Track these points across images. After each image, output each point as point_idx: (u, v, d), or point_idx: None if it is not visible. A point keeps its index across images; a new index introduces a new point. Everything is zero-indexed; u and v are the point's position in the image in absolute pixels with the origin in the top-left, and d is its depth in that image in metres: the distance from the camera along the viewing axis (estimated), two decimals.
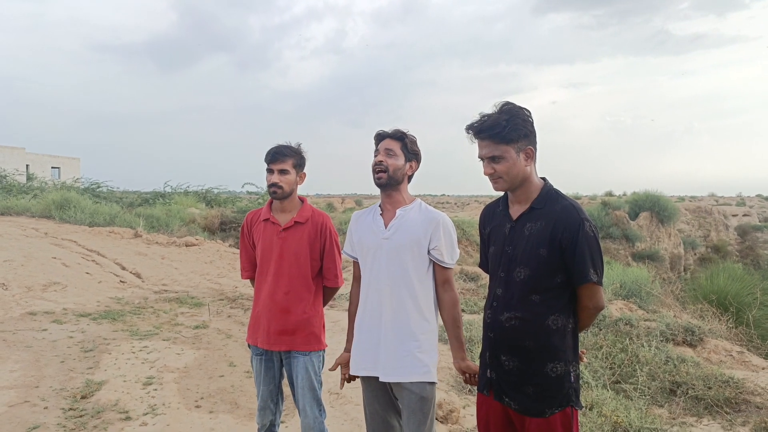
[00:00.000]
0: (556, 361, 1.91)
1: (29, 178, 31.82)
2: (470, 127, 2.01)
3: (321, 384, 2.88)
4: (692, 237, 33.08)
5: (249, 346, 2.93)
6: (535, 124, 2.01)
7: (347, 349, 2.63)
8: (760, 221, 44.36)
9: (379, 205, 2.58)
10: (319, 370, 2.86)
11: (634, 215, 28.85)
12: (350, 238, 2.67)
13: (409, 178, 2.56)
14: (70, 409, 4.07)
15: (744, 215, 44.59)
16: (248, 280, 3.35)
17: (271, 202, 2.91)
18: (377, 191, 2.56)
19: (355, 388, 4.51)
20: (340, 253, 2.91)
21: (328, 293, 2.97)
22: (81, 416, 3.94)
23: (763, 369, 5.67)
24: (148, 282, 9.26)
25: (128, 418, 3.92)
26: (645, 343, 5.02)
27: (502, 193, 2.16)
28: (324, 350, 2.91)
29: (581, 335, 5.61)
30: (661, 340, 5.30)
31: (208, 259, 11.20)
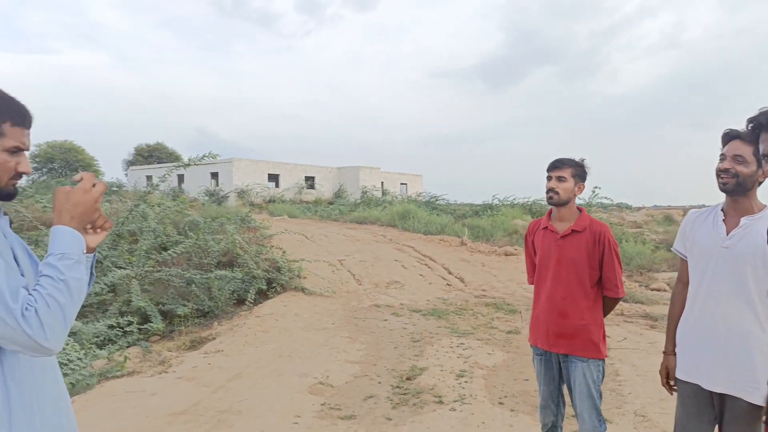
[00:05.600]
0: None
1: (383, 193, 37.65)
2: (752, 120, 1.80)
3: (600, 395, 2.83)
4: None
5: (531, 346, 3.07)
6: None
7: (669, 351, 2.55)
8: None
9: (722, 209, 2.40)
10: (598, 380, 2.82)
11: None
12: (683, 236, 2.55)
13: (760, 182, 2.30)
14: (397, 386, 4.82)
15: None
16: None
17: (550, 212, 3.02)
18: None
19: (664, 414, 4.17)
20: (620, 264, 2.87)
21: (608, 303, 2.93)
22: (404, 394, 4.64)
23: None
24: (470, 286, 10.07)
25: (441, 402, 4.44)
26: None
27: None
28: (603, 360, 2.86)
29: None
30: None
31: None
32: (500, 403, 4.48)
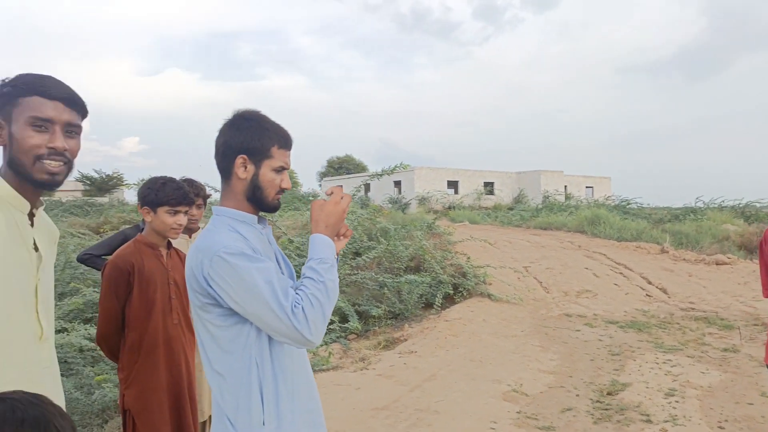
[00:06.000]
0: None
1: (567, 197, 35.96)
2: None
3: None
4: None
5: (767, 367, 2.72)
6: None
7: None
8: None
9: None
10: None
11: None
12: None
13: None
14: (597, 401, 4.57)
15: None
16: None
17: None
18: None
19: None
20: None
21: None
22: (606, 409, 4.38)
23: None
24: (674, 298, 9.17)
25: (649, 422, 4.12)
26: None
27: None
28: None
29: None
30: None
31: (742, 279, 10.16)
32: (720, 428, 4.02)
